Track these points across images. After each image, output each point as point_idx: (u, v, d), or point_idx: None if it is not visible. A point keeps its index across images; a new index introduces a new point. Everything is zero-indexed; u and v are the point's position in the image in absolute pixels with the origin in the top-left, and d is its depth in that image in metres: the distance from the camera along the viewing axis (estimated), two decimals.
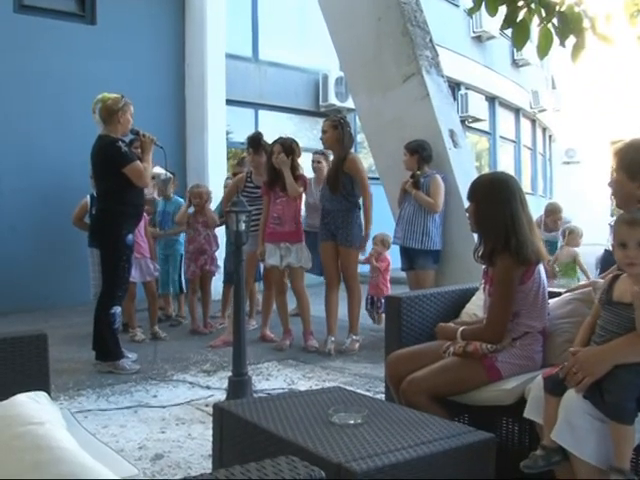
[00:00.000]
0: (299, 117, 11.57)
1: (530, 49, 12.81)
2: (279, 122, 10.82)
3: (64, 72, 8.10)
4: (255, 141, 6.08)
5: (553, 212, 7.92)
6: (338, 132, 5.60)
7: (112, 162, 4.83)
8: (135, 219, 5.10)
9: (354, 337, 5.73)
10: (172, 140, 9.12)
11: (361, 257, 6.85)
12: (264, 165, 5.88)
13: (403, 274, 5.97)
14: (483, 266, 2.99)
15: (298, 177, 5.74)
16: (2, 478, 1.18)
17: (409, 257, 5.66)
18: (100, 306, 4.94)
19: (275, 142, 5.74)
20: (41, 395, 1.54)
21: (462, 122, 7.29)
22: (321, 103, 11.35)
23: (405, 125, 5.96)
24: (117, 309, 4.94)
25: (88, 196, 6.53)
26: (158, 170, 6.08)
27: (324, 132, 5.70)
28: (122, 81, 7.61)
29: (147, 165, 4.97)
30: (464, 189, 5.41)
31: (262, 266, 6.15)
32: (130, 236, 4.96)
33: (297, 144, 5.78)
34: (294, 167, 5.71)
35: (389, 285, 7.05)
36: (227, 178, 7.53)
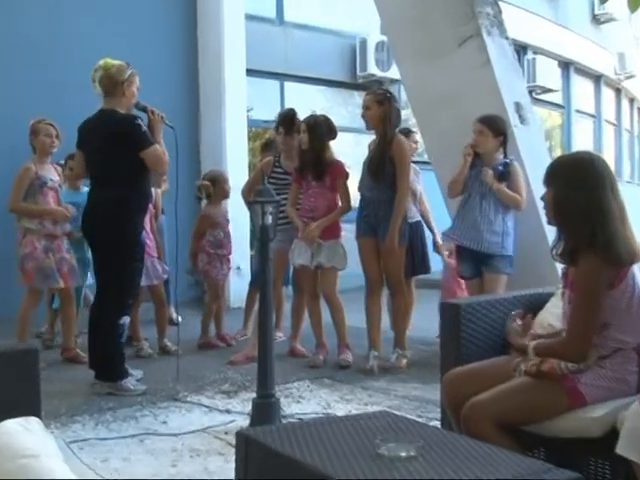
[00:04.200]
0: (332, 90, 11.56)
1: (615, 1, 12.56)
2: (308, 96, 10.82)
3: (53, 37, 8.14)
4: (287, 120, 6.08)
5: None
6: (384, 109, 5.53)
7: (129, 142, 4.81)
8: (144, 212, 5.12)
9: (401, 352, 5.70)
10: (183, 118, 9.13)
11: (446, 253, 6.77)
12: (296, 148, 5.88)
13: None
14: (562, 266, 2.93)
15: (331, 164, 5.73)
16: None
17: (479, 262, 5.47)
18: (105, 316, 4.91)
19: (304, 120, 5.75)
20: (33, 421, 1.53)
21: (529, 93, 7.18)
22: (359, 73, 11.32)
23: (461, 98, 5.89)
24: (126, 319, 4.95)
25: None
26: None
27: (367, 109, 5.61)
28: (121, 47, 7.57)
29: (161, 147, 4.96)
30: (535, 174, 5.36)
31: (292, 267, 6.15)
32: (143, 231, 5.00)
33: (331, 123, 5.78)
34: (325, 151, 5.71)
35: (464, 288, 6.97)
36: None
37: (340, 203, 5.78)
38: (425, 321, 6.49)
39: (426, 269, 6.55)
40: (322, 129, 5.68)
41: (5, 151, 6.58)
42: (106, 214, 4.90)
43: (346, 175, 5.81)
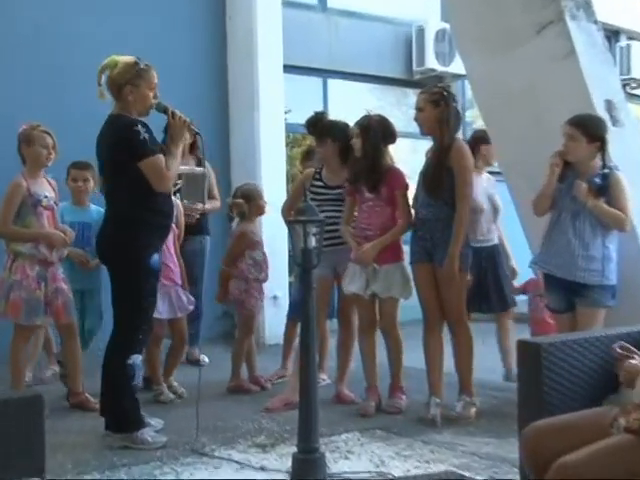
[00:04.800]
0: (384, 88, 11.61)
1: None
2: (356, 95, 10.87)
3: (53, 37, 8.31)
4: (312, 125, 6.13)
5: None
6: (440, 110, 5.52)
7: (127, 151, 4.81)
8: (163, 232, 5.11)
9: (468, 399, 5.62)
10: (209, 123, 9.19)
11: (516, 284, 6.67)
12: (335, 157, 5.94)
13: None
14: None
15: (388, 173, 5.74)
16: None
17: (571, 292, 5.34)
18: (113, 355, 4.93)
19: (357, 123, 5.77)
20: None
21: (623, 88, 7.06)
22: (415, 68, 11.38)
23: (539, 97, 5.85)
24: (137, 358, 4.95)
25: None
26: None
27: (420, 110, 5.62)
28: (138, 41, 7.70)
29: (173, 159, 4.91)
30: (633, 185, 5.25)
31: (336, 297, 6.12)
32: (156, 256, 4.96)
33: (389, 124, 5.81)
34: (381, 158, 5.72)
35: None
36: None
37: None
38: (498, 361, 6.43)
39: (505, 304, 6.49)
40: (377, 132, 5.69)
41: (4, 152, 6.66)
42: (113, 232, 4.95)
43: (405, 186, 5.80)
